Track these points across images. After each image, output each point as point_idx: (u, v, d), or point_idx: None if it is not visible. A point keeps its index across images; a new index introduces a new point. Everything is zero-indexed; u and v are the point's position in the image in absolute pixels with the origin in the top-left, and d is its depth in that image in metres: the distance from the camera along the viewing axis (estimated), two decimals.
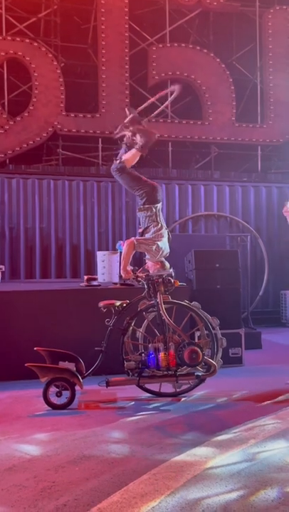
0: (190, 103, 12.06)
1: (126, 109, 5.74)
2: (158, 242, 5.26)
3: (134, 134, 5.50)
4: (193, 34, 12.40)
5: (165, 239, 5.35)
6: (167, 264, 5.34)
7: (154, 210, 5.35)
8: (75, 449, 3.85)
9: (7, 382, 5.69)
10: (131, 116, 5.60)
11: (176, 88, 5.76)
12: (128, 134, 5.51)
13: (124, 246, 5.25)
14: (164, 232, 5.38)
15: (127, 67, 10.91)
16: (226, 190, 10.77)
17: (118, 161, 5.45)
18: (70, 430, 4.28)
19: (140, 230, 5.47)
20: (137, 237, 5.36)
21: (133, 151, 5.47)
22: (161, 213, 5.46)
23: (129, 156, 5.44)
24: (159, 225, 5.35)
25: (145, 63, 11.32)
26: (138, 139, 5.45)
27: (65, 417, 4.68)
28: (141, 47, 11.46)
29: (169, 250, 5.42)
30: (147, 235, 5.32)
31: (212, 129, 11.32)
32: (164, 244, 5.33)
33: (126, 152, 5.51)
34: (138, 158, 5.48)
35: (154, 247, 5.23)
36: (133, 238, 5.30)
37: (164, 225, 5.48)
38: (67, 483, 3.29)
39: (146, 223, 5.38)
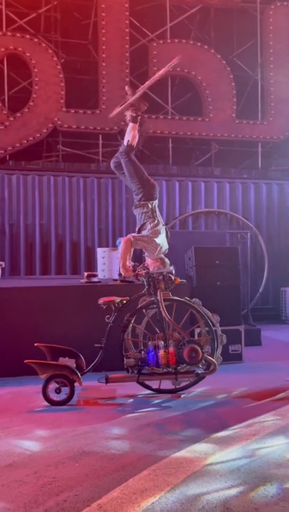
0: (190, 99, 12.05)
1: (126, 87, 5.77)
2: (155, 239, 5.24)
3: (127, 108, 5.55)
4: (193, 30, 12.37)
5: (163, 235, 5.33)
6: (167, 261, 5.33)
7: (150, 206, 5.35)
8: (75, 445, 3.86)
9: (7, 378, 5.70)
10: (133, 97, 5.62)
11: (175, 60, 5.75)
12: (129, 113, 5.53)
13: (121, 243, 5.24)
14: (162, 228, 5.36)
15: (127, 63, 10.89)
16: (226, 187, 10.77)
17: (125, 144, 5.46)
18: (70, 426, 4.29)
19: (137, 228, 5.46)
20: (134, 234, 5.34)
21: (129, 126, 5.49)
22: (157, 210, 5.45)
23: (130, 135, 5.46)
24: (156, 221, 5.33)
25: (146, 59, 11.30)
26: (128, 113, 5.51)
27: (64, 413, 4.69)
28: (141, 43, 11.44)
29: (167, 247, 5.42)
30: (144, 232, 5.31)
31: (212, 125, 11.31)
32: (161, 240, 5.31)
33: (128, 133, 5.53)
34: (137, 131, 5.47)
35: (151, 243, 5.22)
36: (130, 235, 5.28)
37: (162, 221, 5.47)
38: (67, 479, 3.30)
39: (142, 220, 5.38)
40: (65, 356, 5.11)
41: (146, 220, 5.33)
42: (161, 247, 5.30)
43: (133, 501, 2.98)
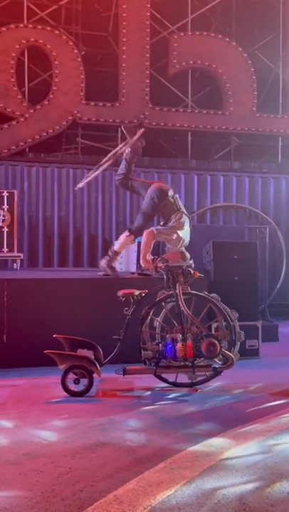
0: (210, 93, 11.95)
1: (122, 128, 5.93)
2: (178, 231, 5.23)
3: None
4: (215, 22, 12.23)
5: (186, 227, 5.31)
6: (187, 255, 5.32)
7: (171, 200, 5.34)
8: (92, 436, 3.89)
9: (26, 369, 5.76)
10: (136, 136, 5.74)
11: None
12: (127, 150, 5.62)
13: (143, 235, 5.24)
14: (185, 220, 5.33)
15: (147, 55, 10.81)
16: (246, 181, 10.68)
17: (117, 177, 5.70)
18: (87, 417, 4.33)
19: (162, 222, 5.47)
20: (157, 227, 5.35)
21: (123, 163, 5.68)
22: (180, 201, 5.45)
23: (121, 172, 5.65)
24: (179, 213, 5.32)
25: (166, 52, 11.22)
26: (126, 150, 5.59)
27: (82, 404, 4.73)
28: (162, 35, 11.35)
29: (189, 239, 5.39)
30: (169, 224, 5.31)
31: (232, 119, 11.20)
32: (185, 233, 5.29)
33: (125, 167, 5.59)
34: (130, 168, 5.59)
35: (174, 236, 5.21)
36: (153, 228, 5.30)
37: (185, 212, 5.45)
38: (83, 469, 3.34)
39: (166, 214, 5.38)
40: (83, 348, 5.15)
41: (170, 214, 5.32)
42: (183, 240, 5.29)
43: (149, 493, 3.00)
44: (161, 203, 5.31)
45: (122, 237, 5.48)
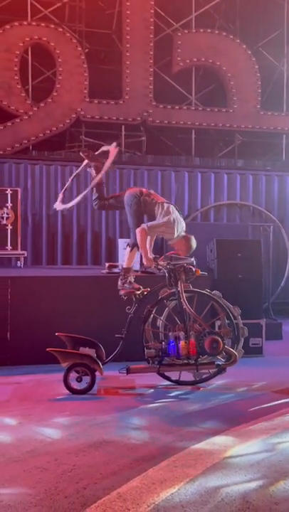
0: (214, 90, 11.92)
1: (80, 153, 5.94)
2: (169, 218, 5.12)
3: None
4: (219, 20, 12.20)
5: (175, 214, 5.19)
6: (192, 239, 5.21)
7: (146, 197, 5.29)
8: (95, 434, 3.89)
9: (29, 366, 5.77)
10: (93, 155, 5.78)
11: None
12: (93, 172, 5.66)
13: (137, 235, 5.16)
14: (169, 206, 5.22)
15: (151, 53, 10.79)
16: (250, 179, 10.65)
17: (93, 203, 5.73)
18: (90, 415, 4.33)
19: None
20: (147, 223, 5.25)
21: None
22: (155, 194, 5.39)
23: (94, 198, 5.64)
24: (160, 205, 5.23)
25: (170, 49, 11.19)
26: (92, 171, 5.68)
27: (85, 401, 4.73)
28: (166, 32, 11.32)
29: (184, 223, 5.31)
30: (157, 218, 5.22)
31: (236, 116, 11.18)
32: (175, 218, 5.16)
33: (96, 192, 5.62)
34: (102, 191, 5.62)
35: (166, 226, 5.13)
36: (143, 225, 5.19)
37: (166, 201, 5.39)
38: (87, 466, 3.34)
39: (149, 212, 5.35)
40: (85, 346, 5.14)
41: (152, 210, 5.26)
42: (177, 226, 5.16)
43: (152, 491, 3.00)
44: (140, 205, 5.29)
45: (127, 254, 5.47)
